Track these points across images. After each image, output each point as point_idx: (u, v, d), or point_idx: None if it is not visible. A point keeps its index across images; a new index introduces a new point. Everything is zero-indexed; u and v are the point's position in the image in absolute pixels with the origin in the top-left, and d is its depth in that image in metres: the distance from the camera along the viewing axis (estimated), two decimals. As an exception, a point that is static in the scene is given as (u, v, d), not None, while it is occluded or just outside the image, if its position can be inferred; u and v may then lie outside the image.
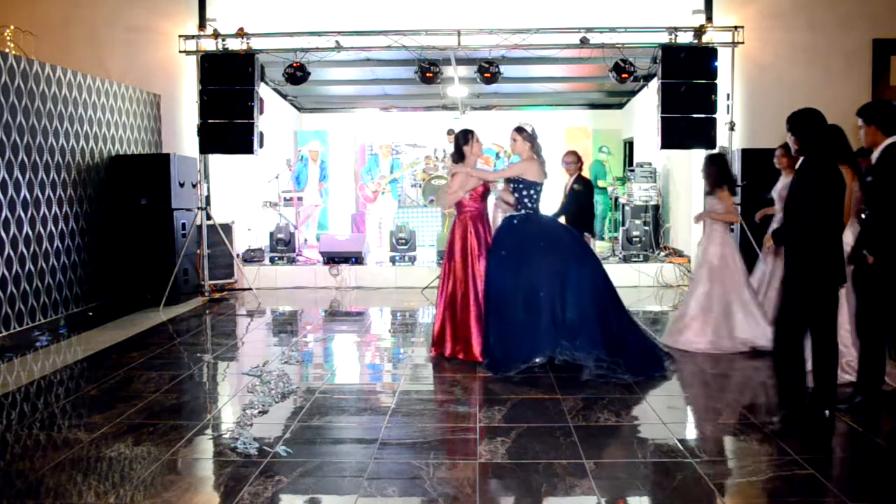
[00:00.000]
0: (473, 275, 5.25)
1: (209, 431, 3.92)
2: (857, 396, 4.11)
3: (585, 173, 8.67)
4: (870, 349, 4.06)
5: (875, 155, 3.91)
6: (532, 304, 4.91)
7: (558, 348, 4.81)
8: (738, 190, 6.86)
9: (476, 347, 5.16)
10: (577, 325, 4.83)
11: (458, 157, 5.42)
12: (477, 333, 5.18)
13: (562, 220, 6.95)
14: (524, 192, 5.23)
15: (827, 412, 3.83)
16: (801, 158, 3.86)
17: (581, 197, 7.32)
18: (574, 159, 7.53)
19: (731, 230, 6.15)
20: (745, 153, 8.03)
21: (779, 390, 4.04)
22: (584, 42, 8.26)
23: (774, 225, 5.35)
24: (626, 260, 9.20)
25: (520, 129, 5.31)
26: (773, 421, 3.90)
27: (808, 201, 3.66)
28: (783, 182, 5.51)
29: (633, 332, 5.10)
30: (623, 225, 9.78)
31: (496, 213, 5.79)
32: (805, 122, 4.04)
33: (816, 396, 3.86)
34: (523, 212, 5.26)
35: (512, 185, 5.29)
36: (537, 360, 4.89)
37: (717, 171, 5.68)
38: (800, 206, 3.70)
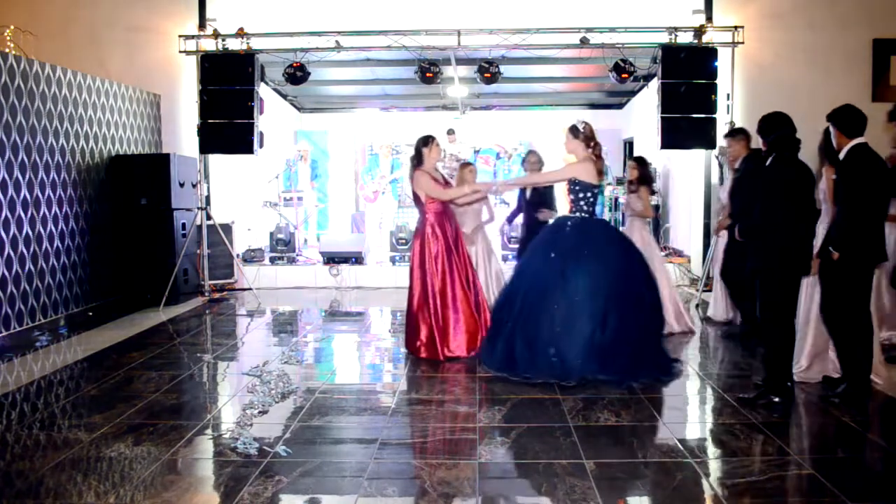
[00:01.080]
0: (453, 269, 5.34)
1: (209, 431, 3.92)
2: (840, 385, 4.33)
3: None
4: (841, 339, 4.31)
5: (841, 156, 4.20)
6: (571, 318, 4.67)
7: (587, 373, 4.62)
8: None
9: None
10: (611, 349, 4.60)
11: (418, 160, 5.48)
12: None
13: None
14: (580, 195, 5.01)
15: (776, 399, 4.17)
16: (770, 158, 4.16)
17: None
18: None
19: (648, 223, 7.16)
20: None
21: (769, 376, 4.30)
22: (584, 42, 8.26)
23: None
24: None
25: (572, 129, 5.16)
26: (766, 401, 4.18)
27: (777, 198, 4.07)
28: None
29: (655, 342, 4.99)
30: (623, 225, 9.77)
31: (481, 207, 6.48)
32: (774, 125, 4.23)
33: (769, 382, 4.25)
34: (578, 214, 5.03)
35: (568, 187, 5.11)
36: (564, 382, 4.64)
37: (643, 173, 6.59)
38: (769, 203, 4.10)
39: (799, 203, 4.06)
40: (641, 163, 6.73)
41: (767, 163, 4.21)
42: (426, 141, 5.51)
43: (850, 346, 4.24)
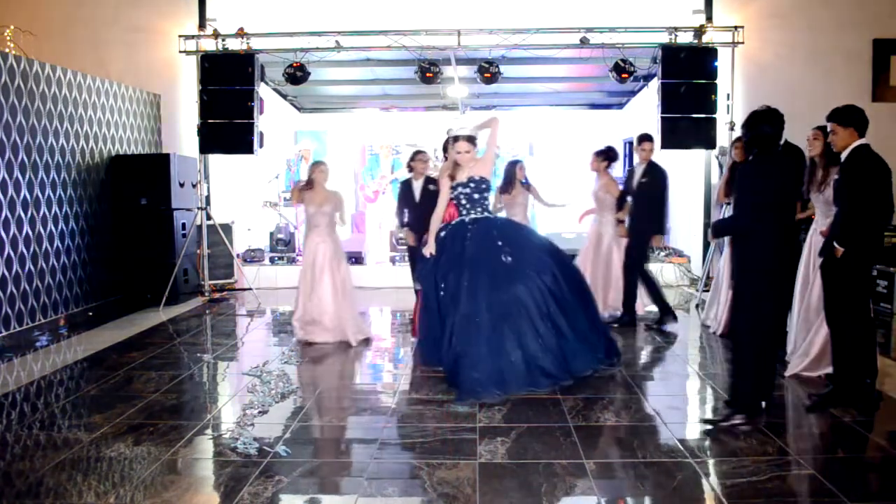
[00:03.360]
0: None
1: (209, 431, 3.92)
2: (828, 385, 4.27)
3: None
4: (840, 340, 4.18)
5: (844, 155, 4.13)
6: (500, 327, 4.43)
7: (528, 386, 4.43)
8: None
9: None
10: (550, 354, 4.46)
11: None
12: None
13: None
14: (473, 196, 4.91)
15: (763, 403, 3.93)
16: (751, 156, 4.02)
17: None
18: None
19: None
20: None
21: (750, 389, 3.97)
22: (584, 42, 8.26)
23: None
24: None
25: (470, 138, 4.94)
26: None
27: (748, 197, 3.91)
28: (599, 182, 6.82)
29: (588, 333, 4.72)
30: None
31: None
32: (754, 122, 3.96)
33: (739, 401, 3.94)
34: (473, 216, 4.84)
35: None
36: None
37: (609, 154, 6.86)
38: (744, 205, 3.94)
39: (778, 206, 3.83)
40: (605, 155, 6.88)
41: (747, 162, 4.09)
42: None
43: (847, 348, 4.15)
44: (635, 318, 6.55)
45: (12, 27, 7.54)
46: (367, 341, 6.07)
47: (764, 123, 3.87)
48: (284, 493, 3.14)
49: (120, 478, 3.28)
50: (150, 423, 3.98)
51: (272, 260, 9.51)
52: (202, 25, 8.78)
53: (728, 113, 8.33)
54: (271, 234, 9.65)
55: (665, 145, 8.25)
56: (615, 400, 4.41)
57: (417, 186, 6.44)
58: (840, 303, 4.17)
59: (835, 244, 4.08)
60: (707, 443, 3.73)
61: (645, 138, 6.49)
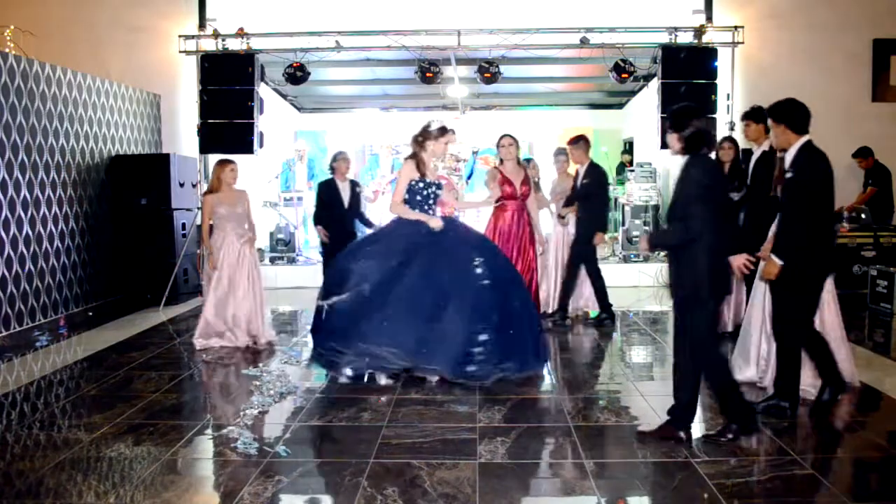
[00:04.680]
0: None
1: (209, 431, 3.92)
2: (773, 398, 3.97)
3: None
4: (782, 354, 3.92)
5: (789, 155, 3.72)
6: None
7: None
8: None
9: None
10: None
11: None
12: None
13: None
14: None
15: (682, 434, 3.61)
16: (686, 157, 3.55)
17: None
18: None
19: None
20: (746, 153, 8.01)
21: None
22: (584, 42, 8.26)
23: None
24: (625, 260, 9.20)
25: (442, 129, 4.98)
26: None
27: (690, 200, 3.43)
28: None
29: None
30: (623, 225, 9.77)
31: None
32: (684, 119, 3.55)
33: (677, 412, 3.66)
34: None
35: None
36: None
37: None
38: (684, 206, 3.46)
39: (715, 212, 3.42)
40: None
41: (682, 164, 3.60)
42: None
43: (788, 361, 3.89)
44: (613, 315, 6.57)
45: (12, 27, 7.55)
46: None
47: (697, 119, 3.52)
48: (284, 493, 3.14)
49: (120, 478, 3.28)
50: (150, 423, 3.98)
51: (272, 260, 9.51)
52: (202, 25, 8.78)
53: (728, 113, 8.33)
54: (271, 234, 9.65)
55: (665, 145, 8.23)
56: (615, 400, 4.40)
57: (343, 188, 6.49)
58: (785, 319, 3.86)
59: (772, 256, 3.73)
60: (707, 443, 3.72)
61: (576, 140, 6.47)
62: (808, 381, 4.16)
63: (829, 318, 4.27)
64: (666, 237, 3.78)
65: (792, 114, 3.67)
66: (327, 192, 6.56)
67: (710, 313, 3.50)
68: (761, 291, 4.34)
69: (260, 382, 4.74)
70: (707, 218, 3.37)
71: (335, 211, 6.51)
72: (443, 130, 4.88)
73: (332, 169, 6.61)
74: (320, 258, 9.55)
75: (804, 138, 3.68)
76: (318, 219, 6.65)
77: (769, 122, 3.83)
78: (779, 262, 3.69)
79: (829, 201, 3.72)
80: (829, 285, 4.12)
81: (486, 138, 12.65)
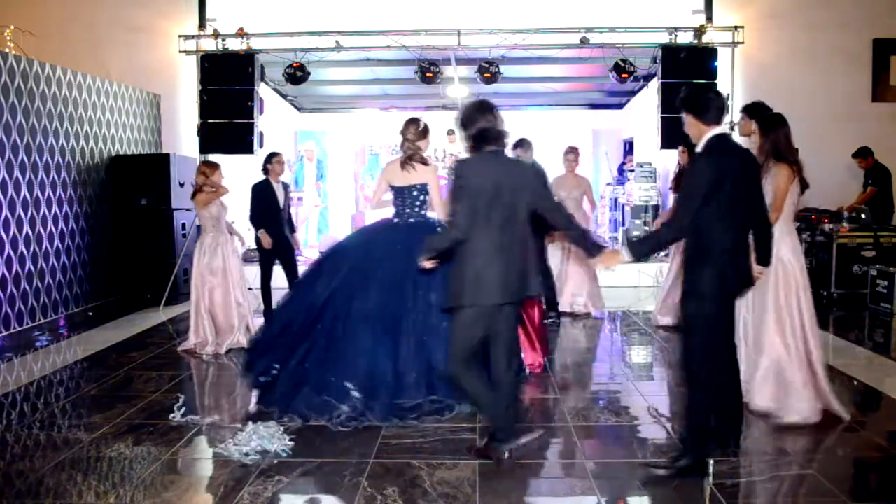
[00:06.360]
0: None
1: (209, 431, 3.92)
2: (682, 458, 3.26)
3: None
4: (690, 396, 3.31)
5: (699, 147, 3.32)
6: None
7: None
8: None
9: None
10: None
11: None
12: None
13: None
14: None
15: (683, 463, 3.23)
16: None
17: None
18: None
19: None
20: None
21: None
22: (584, 42, 8.27)
23: None
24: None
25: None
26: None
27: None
28: None
29: None
30: (623, 225, 9.77)
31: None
32: (470, 118, 3.34)
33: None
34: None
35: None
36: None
37: None
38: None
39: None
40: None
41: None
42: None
43: (697, 407, 3.27)
44: (559, 315, 6.60)
45: (12, 27, 7.55)
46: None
47: (482, 116, 3.28)
48: (284, 493, 3.14)
49: (120, 478, 3.28)
50: (150, 423, 3.98)
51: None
52: (202, 25, 8.78)
53: (728, 113, 8.32)
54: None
55: (665, 145, 8.25)
56: (615, 400, 4.40)
57: (278, 189, 6.45)
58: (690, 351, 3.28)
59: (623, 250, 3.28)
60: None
61: (519, 143, 6.44)
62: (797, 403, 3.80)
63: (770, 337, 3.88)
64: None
65: (701, 103, 3.30)
66: (264, 193, 6.45)
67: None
68: (743, 303, 3.90)
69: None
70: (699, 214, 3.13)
71: (271, 212, 6.42)
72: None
73: (266, 170, 6.49)
74: (307, 258, 9.58)
75: (714, 130, 3.28)
76: (255, 221, 6.47)
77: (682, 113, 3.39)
78: (627, 258, 3.25)
79: (731, 204, 3.14)
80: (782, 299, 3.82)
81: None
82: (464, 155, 3.46)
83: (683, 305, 3.27)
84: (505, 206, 3.21)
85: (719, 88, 8.13)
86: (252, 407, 4.24)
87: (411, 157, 4.34)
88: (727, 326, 3.31)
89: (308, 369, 4.05)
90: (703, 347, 3.21)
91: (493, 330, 3.30)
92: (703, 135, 3.29)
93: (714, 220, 3.14)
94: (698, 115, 3.29)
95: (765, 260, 3.49)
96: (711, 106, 3.28)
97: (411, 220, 4.34)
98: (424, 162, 4.35)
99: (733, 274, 3.20)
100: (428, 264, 3.37)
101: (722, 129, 3.31)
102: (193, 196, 5.87)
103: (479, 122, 3.29)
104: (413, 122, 4.43)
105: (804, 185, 3.95)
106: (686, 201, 3.20)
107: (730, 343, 3.38)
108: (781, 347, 3.87)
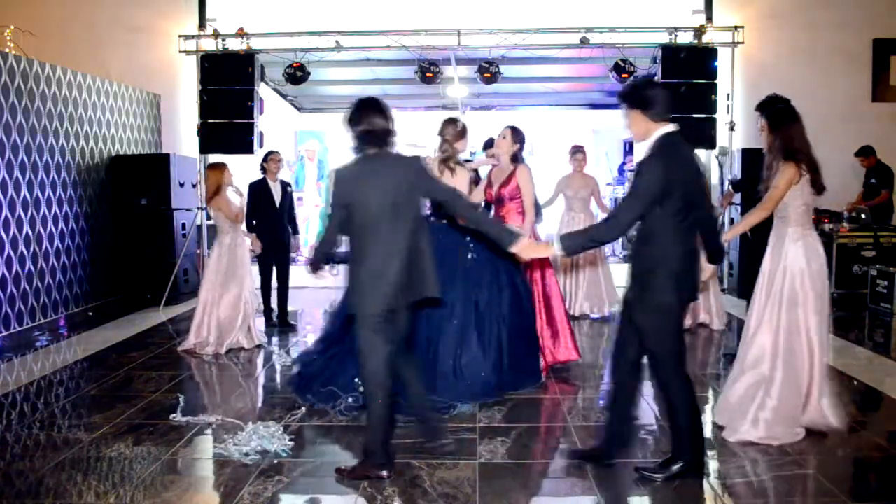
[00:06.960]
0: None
1: (209, 431, 3.92)
2: (677, 463, 3.19)
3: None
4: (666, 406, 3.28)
5: (648, 145, 3.08)
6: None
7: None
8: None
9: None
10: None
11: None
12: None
13: None
14: None
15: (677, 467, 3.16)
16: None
17: None
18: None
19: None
20: (745, 153, 8.04)
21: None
22: (584, 42, 8.27)
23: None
24: (626, 260, 9.20)
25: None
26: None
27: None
28: None
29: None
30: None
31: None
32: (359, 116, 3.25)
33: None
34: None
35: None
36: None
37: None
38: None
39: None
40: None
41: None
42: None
43: (674, 415, 3.19)
44: None
45: (12, 27, 7.54)
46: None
47: (369, 116, 3.18)
48: (284, 493, 3.14)
49: (120, 478, 3.28)
50: (150, 423, 3.98)
51: (272, 260, 9.48)
52: (202, 25, 8.78)
53: (728, 113, 8.33)
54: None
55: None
56: (615, 400, 4.40)
57: (275, 188, 6.40)
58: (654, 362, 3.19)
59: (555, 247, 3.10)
60: (707, 443, 3.72)
61: (490, 144, 6.32)
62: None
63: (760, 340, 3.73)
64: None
65: (647, 97, 3.04)
66: (260, 192, 6.39)
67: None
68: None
69: (259, 382, 4.74)
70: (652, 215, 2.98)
71: (267, 212, 6.35)
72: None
73: (263, 169, 6.43)
74: (308, 258, 9.56)
75: (665, 127, 3.03)
76: (251, 222, 6.33)
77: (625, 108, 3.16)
78: (559, 252, 3.09)
79: (684, 209, 2.97)
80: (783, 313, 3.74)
81: (486, 138, 12.63)
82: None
83: (640, 318, 3.08)
84: (391, 207, 3.12)
85: (720, 88, 8.20)
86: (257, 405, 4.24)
87: (448, 158, 4.32)
88: (682, 331, 3.21)
89: (331, 365, 4.27)
90: (674, 352, 3.10)
91: (393, 333, 3.24)
92: (650, 132, 3.04)
93: (667, 225, 2.95)
94: (645, 110, 3.03)
95: (716, 258, 3.33)
96: (659, 100, 3.03)
97: (443, 220, 4.41)
98: (461, 165, 4.38)
99: (688, 281, 3.06)
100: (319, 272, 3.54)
101: (672, 126, 3.05)
102: (210, 200, 5.74)
103: (364, 123, 3.16)
104: (451, 121, 4.41)
105: (820, 188, 3.63)
106: (631, 201, 2.98)
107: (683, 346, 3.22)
108: (768, 370, 3.65)
